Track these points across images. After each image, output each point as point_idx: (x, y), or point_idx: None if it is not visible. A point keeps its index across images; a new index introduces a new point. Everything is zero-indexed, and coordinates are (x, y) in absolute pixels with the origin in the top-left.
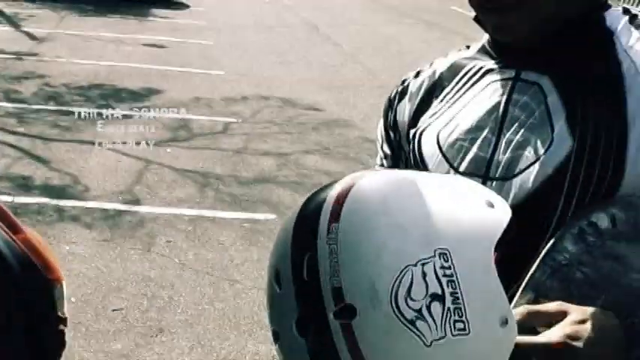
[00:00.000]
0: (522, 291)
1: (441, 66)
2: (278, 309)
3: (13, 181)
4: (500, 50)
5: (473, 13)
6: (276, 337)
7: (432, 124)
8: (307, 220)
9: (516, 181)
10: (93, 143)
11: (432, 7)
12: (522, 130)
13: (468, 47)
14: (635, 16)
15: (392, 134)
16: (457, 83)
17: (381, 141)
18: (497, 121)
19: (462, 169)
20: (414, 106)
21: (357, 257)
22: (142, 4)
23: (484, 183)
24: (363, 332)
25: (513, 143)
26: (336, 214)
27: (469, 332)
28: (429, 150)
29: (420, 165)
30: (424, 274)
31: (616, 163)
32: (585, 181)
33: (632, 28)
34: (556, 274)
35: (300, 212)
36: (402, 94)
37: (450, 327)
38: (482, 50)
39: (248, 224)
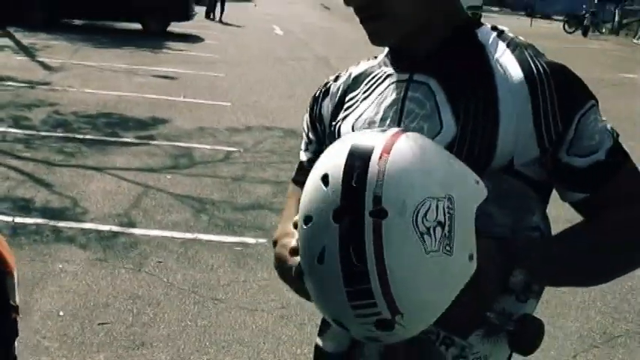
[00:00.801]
0: None
1: (354, 72)
2: (317, 201)
3: (15, 203)
4: (397, 59)
5: None
6: (308, 220)
7: (348, 117)
8: (363, 148)
9: None
10: (95, 169)
11: None
12: (417, 120)
13: (376, 57)
14: (502, 31)
15: (317, 125)
16: (366, 85)
17: (307, 130)
18: (397, 113)
19: None
20: (334, 104)
21: (397, 181)
22: (157, 37)
23: None
24: (388, 230)
25: (409, 130)
26: (387, 149)
27: (452, 255)
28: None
29: None
30: (437, 207)
31: (490, 143)
32: (467, 158)
33: (500, 42)
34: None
35: (354, 142)
36: (325, 93)
37: (442, 246)
38: (385, 59)
39: (239, 247)
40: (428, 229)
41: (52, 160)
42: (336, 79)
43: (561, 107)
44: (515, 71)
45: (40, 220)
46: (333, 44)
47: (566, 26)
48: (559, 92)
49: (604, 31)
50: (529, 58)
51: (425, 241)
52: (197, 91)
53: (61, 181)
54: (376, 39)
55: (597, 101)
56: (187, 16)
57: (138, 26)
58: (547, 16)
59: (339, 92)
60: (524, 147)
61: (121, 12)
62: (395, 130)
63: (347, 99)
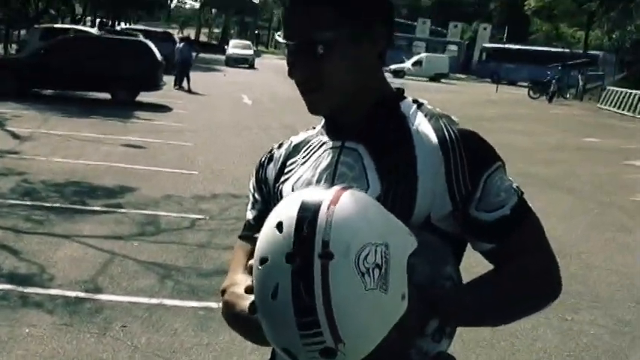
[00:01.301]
0: None
1: (295, 140)
2: (271, 245)
3: None
4: (331, 128)
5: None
6: (264, 261)
7: (289, 179)
8: (313, 200)
9: None
10: (63, 236)
11: None
12: (348, 181)
13: (314, 128)
14: (422, 104)
15: (262, 186)
16: (304, 152)
17: (253, 191)
18: (331, 175)
19: None
20: (277, 168)
21: (343, 228)
22: (126, 107)
23: None
24: (334, 270)
25: None
26: (335, 201)
27: (387, 293)
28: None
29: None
30: (375, 252)
31: (410, 201)
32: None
33: (419, 113)
34: None
35: (305, 197)
36: (270, 159)
37: (379, 285)
38: (321, 129)
39: (203, 312)
40: (367, 269)
41: (20, 228)
42: (280, 146)
43: (470, 168)
44: (431, 138)
45: (7, 286)
46: (300, 113)
47: (530, 92)
48: (468, 155)
49: (568, 96)
50: (443, 126)
51: (365, 280)
52: (165, 160)
53: (28, 249)
54: (313, 109)
55: (503, 163)
56: (156, 86)
57: (107, 96)
58: (512, 83)
59: (282, 158)
60: (439, 204)
61: (90, 82)
62: (340, 186)
63: (288, 164)
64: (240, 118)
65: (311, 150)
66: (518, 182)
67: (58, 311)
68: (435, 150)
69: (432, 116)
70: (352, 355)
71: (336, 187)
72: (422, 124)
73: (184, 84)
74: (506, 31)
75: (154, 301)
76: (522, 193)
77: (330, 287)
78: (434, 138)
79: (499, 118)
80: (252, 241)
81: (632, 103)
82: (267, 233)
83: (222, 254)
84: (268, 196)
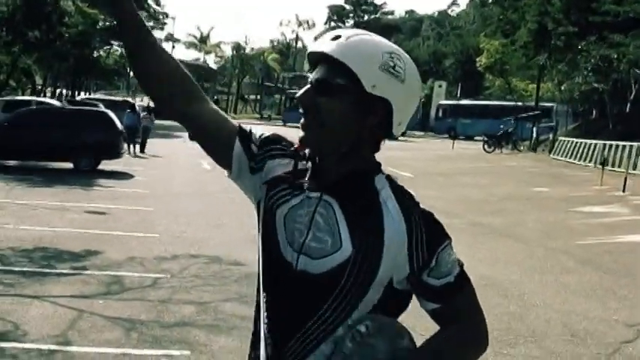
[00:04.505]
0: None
1: (299, 167)
2: None
3: None
4: (314, 178)
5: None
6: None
7: (280, 207)
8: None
9: (317, 263)
10: (34, 297)
11: None
12: (323, 232)
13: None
14: (393, 181)
15: (257, 150)
16: (294, 188)
17: (256, 139)
18: (309, 222)
19: (293, 243)
20: (277, 174)
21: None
22: (88, 175)
23: (299, 255)
24: None
25: (316, 238)
26: None
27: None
28: (280, 226)
29: (272, 230)
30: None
31: (373, 268)
32: (357, 274)
33: (390, 190)
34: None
35: None
36: (283, 155)
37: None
38: (309, 174)
39: (165, 359)
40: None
41: None
42: (299, 158)
43: (428, 243)
44: (398, 214)
45: None
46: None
47: (485, 146)
48: (427, 233)
49: (522, 148)
50: (408, 206)
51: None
52: (127, 224)
53: (1, 309)
54: (304, 145)
55: (451, 240)
56: (117, 154)
57: (70, 165)
58: (470, 138)
59: (286, 173)
60: (400, 269)
61: (53, 152)
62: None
63: (282, 187)
64: (201, 184)
65: (298, 188)
66: (470, 232)
67: None
68: (400, 225)
69: (399, 193)
70: None
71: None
72: (390, 201)
73: (132, 149)
74: (459, 87)
75: (120, 351)
76: (463, 264)
77: None
78: (400, 215)
79: (455, 173)
80: (227, 122)
81: (582, 152)
82: None
83: (183, 308)
84: (249, 154)
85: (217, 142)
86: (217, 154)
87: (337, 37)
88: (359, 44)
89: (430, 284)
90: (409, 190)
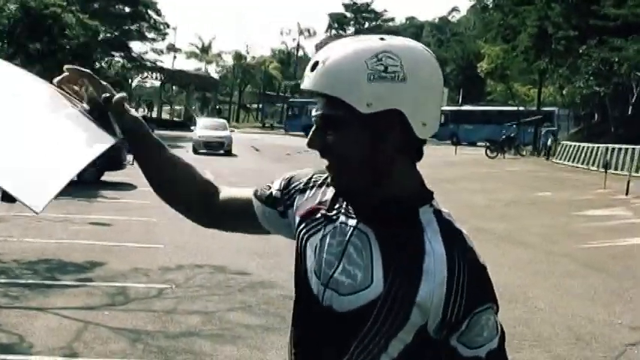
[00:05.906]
0: None
1: (328, 194)
2: None
3: None
4: (350, 204)
5: None
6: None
7: (312, 237)
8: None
9: (343, 299)
10: (39, 309)
11: None
12: (354, 265)
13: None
14: (441, 214)
15: (285, 195)
16: (330, 214)
17: (278, 186)
18: (340, 253)
19: (320, 275)
20: (303, 201)
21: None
22: (92, 187)
23: (325, 289)
24: None
25: (346, 271)
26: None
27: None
28: (310, 256)
29: (302, 261)
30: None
31: (405, 311)
32: (387, 315)
33: (437, 227)
34: None
35: None
36: (307, 187)
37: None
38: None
39: None
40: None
41: None
42: (319, 185)
43: (466, 301)
44: (441, 258)
45: None
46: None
47: (487, 152)
48: (469, 288)
49: (524, 153)
50: (456, 251)
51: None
52: (131, 235)
53: (7, 321)
54: (331, 184)
55: (498, 306)
56: (120, 165)
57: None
58: (472, 143)
59: (315, 199)
60: (435, 318)
61: None
62: None
63: (317, 216)
64: None
65: (334, 215)
66: (475, 237)
67: None
68: (441, 270)
69: (447, 233)
70: None
71: None
72: (436, 241)
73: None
74: (461, 93)
75: None
76: (504, 340)
77: None
78: (444, 259)
79: (458, 179)
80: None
81: (584, 155)
82: None
83: (188, 318)
84: (281, 198)
85: (244, 220)
86: (249, 229)
87: (315, 65)
88: (338, 64)
89: (458, 351)
90: (461, 229)
